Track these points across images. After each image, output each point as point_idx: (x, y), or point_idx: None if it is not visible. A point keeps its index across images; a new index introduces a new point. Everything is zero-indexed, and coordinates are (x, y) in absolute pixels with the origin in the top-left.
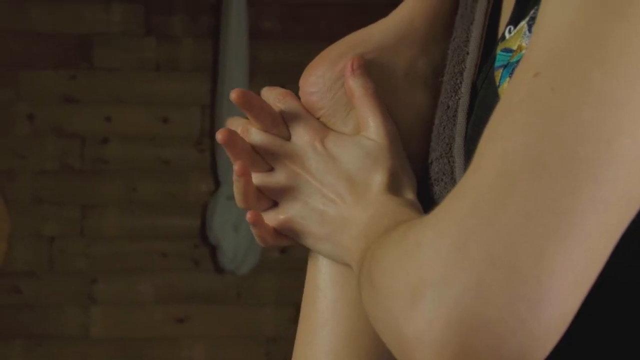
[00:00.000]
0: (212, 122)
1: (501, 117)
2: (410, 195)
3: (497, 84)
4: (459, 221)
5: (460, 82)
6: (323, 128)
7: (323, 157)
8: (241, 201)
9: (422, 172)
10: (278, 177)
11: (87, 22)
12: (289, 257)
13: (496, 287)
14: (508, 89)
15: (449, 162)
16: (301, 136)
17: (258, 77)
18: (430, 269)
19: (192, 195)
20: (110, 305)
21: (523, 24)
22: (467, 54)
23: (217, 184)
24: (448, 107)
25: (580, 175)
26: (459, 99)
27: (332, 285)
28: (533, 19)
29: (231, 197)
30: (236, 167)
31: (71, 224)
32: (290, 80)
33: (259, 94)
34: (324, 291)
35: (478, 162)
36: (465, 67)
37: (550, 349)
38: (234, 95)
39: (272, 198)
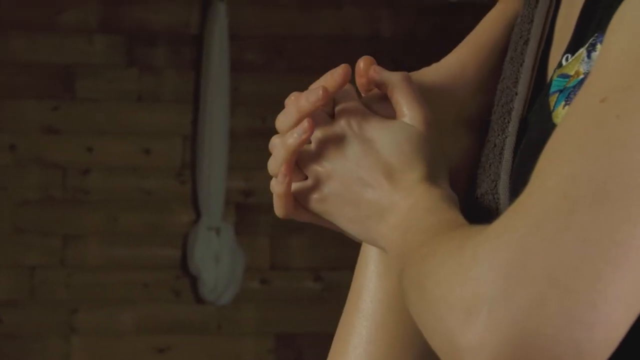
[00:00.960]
0: (194, 153)
1: (567, 139)
2: (445, 184)
3: (551, 108)
4: (520, 238)
5: (508, 122)
6: (364, 111)
7: (360, 139)
8: (282, 160)
9: (466, 208)
10: (315, 153)
11: (69, 53)
12: (269, 288)
13: (553, 307)
14: (573, 110)
15: (494, 198)
16: (340, 115)
17: (239, 108)
18: (489, 283)
19: (173, 226)
20: (91, 336)
21: (582, 50)
22: (516, 94)
23: (198, 214)
24: (495, 145)
25: None
26: (506, 137)
27: (368, 325)
28: (593, 45)
29: (212, 228)
30: (306, 122)
31: (52, 254)
32: (271, 112)
33: (240, 127)
34: (358, 329)
35: (540, 180)
36: (514, 107)
37: None
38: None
39: (307, 174)
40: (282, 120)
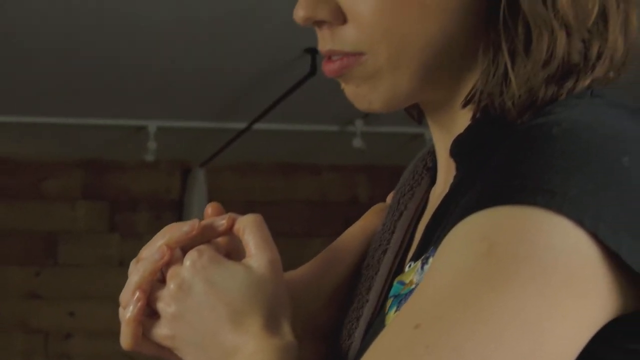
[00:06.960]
0: None
1: (379, 357)
2: (287, 329)
3: (386, 311)
4: None
5: (356, 327)
6: (211, 254)
7: (203, 281)
8: (135, 286)
9: None
10: (164, 291)
11: (52, 220)
12: None
13: None
14: (390, 328)
15: None
16: (188, 257)
17: None
18: None
19: None
20: None
21: (418, 262)
22: (367, 301)
23: None
24: (341, 349)
25: None
26: (352, 342)
27: None
28: (426, 258)
29: None
30: (165, 248)
31: None
32: None
33: None
34: None
35: None
36: (363, 314)
37: None
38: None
39: (156, 310)
40: (145, 250)
